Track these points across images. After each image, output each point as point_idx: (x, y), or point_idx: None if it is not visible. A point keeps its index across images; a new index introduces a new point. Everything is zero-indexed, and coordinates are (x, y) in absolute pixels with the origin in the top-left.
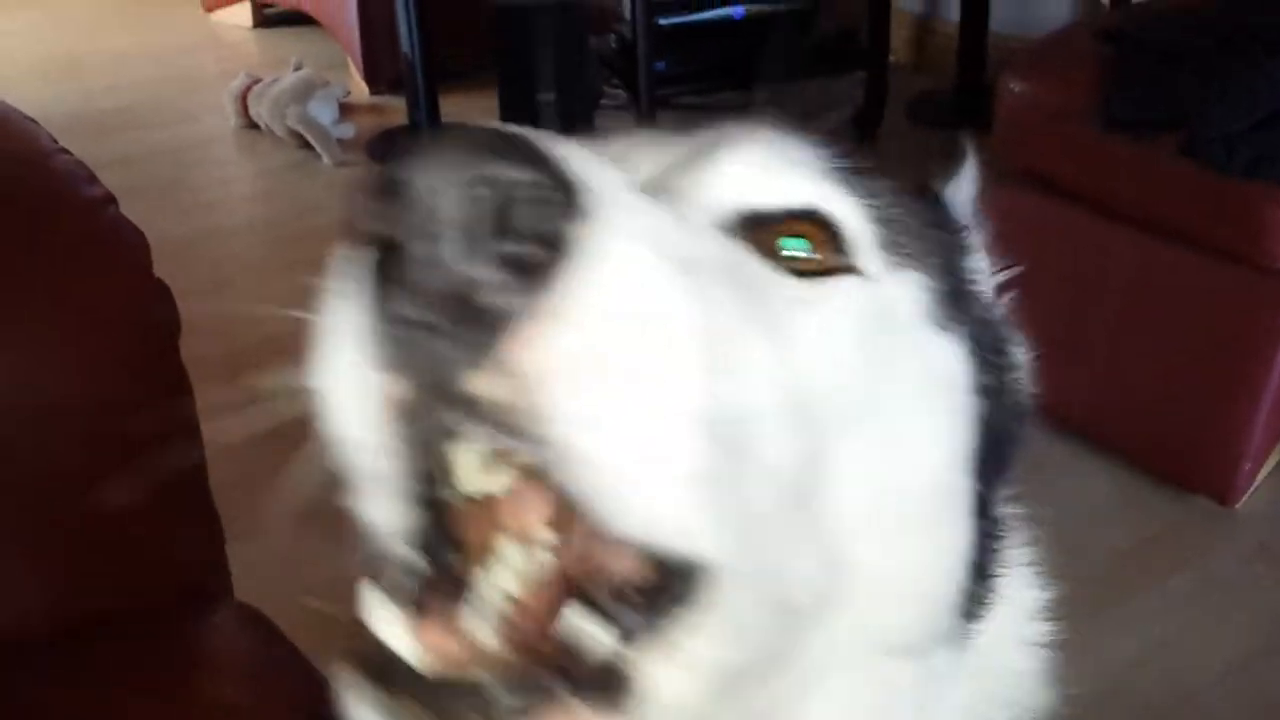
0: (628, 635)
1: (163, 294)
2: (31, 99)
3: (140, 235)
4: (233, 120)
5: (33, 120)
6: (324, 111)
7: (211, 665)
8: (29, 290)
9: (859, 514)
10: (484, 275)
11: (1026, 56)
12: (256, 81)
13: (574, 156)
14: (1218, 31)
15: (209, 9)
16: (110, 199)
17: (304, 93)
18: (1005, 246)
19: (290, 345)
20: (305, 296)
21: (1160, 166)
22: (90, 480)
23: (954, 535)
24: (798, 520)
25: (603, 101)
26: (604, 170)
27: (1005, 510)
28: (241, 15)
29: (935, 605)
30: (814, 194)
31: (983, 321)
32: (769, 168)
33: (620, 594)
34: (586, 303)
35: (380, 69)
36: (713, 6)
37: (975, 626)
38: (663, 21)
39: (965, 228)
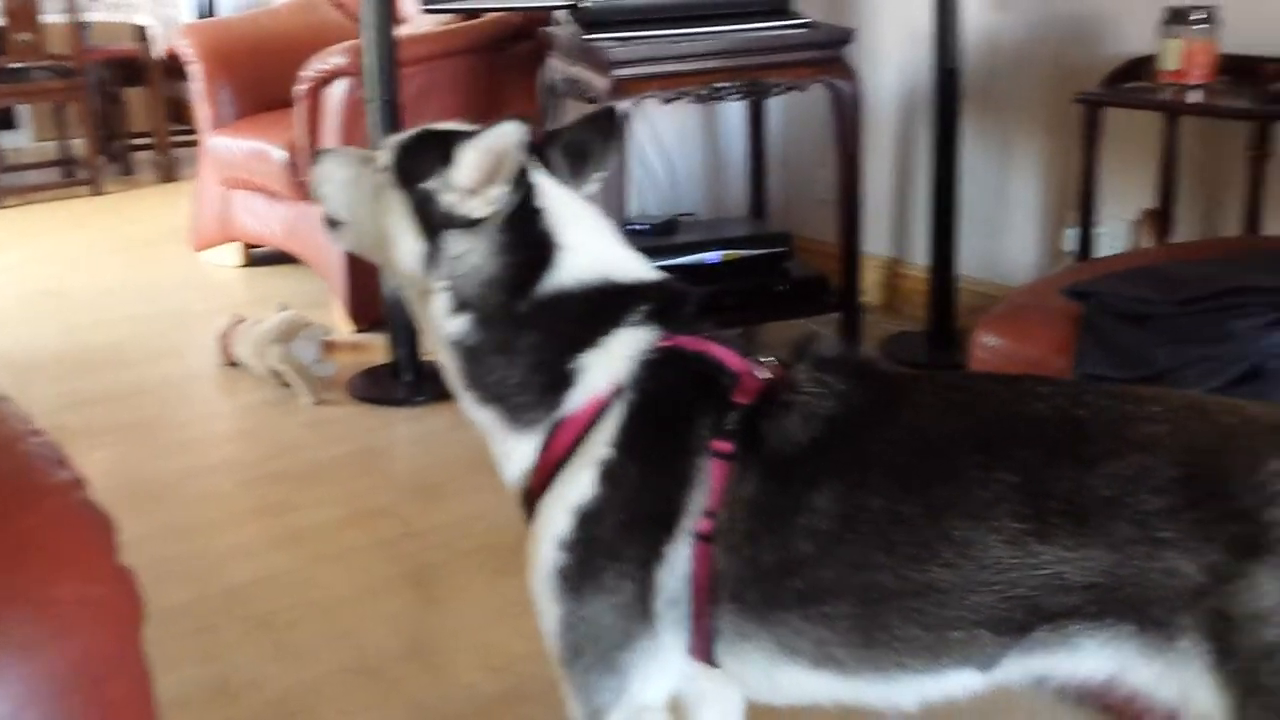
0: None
1: (126, 583)
2: (14, 335)
3: (106, 522)
4: (216, 358)
5: (4, 397)
6: (306, 351)
7: None
8: None
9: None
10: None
11: (998, 311)
12: (241, 321)
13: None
14: (1181, 292)
15: (198, 248)
16: (78, 484)
17: (287, 334)
18: None
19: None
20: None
21: None
22: None
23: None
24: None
25: None
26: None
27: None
28: (230, 255)
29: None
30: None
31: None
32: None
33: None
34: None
35: (364, 307)
36: (690, 252)
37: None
38: None
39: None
